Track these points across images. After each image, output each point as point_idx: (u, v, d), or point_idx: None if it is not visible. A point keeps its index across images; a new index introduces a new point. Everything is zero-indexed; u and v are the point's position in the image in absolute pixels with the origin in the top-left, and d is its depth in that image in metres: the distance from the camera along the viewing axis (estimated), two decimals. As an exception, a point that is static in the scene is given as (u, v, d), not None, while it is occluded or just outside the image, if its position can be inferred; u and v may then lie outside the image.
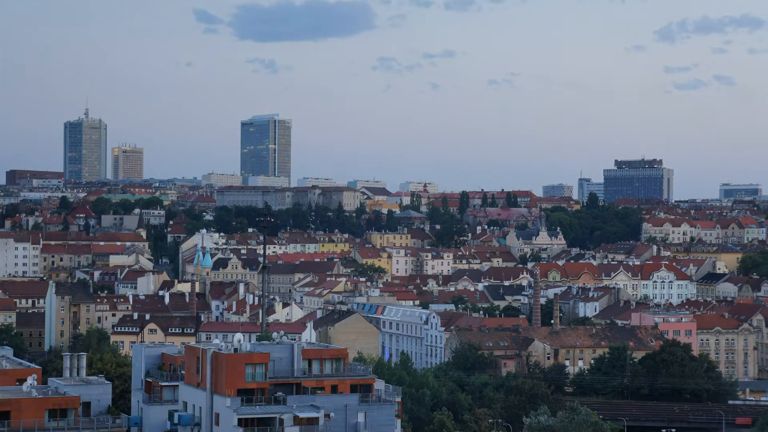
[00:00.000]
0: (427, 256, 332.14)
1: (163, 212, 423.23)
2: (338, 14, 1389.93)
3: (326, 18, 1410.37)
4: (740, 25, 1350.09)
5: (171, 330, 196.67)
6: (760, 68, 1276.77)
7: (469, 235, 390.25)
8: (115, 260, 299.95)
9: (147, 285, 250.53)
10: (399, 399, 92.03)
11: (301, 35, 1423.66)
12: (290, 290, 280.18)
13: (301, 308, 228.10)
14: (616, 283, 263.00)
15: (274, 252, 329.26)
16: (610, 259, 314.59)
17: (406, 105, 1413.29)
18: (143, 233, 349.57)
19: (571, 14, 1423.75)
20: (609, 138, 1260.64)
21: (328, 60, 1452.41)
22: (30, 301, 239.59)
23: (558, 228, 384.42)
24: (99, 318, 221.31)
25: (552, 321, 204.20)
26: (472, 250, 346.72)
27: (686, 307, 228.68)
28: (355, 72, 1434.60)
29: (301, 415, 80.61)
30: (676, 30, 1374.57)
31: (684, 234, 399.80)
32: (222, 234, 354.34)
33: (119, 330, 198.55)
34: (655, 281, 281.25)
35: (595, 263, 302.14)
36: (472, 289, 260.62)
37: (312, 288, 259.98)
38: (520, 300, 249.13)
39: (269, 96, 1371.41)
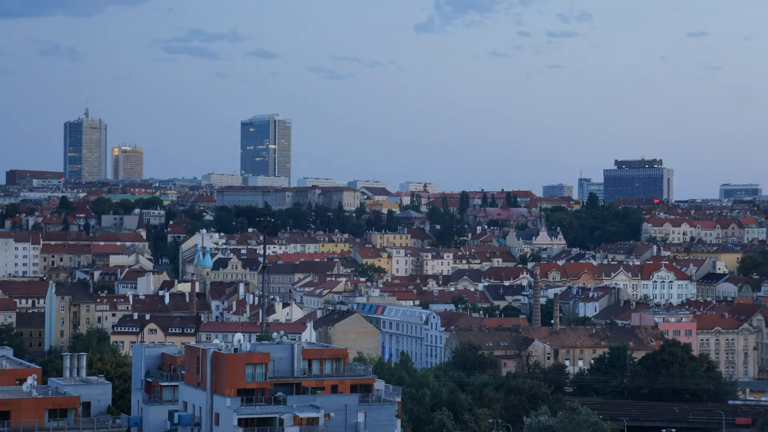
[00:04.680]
0: (427, 256, 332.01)
1: (163, 212, 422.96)
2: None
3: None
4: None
5: (171, 330, 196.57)
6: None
7: (469, 235, 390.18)
8: (115, 260, 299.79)
9: (147, 285, 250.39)
10: (399, 399, 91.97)
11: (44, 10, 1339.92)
12: (290, 290, 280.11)
13: (301, 308, 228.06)
14: (616, 283, 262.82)
15: (274, 252, 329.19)
16: (610, 259, 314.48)
17: (239, 94, 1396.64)
18: (143, 233, 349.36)
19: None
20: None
21: (118, 39, 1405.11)
22: (30, 301, 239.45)
23: (558, 228, 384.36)
24: (99, 318, 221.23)
25: (552, 321, 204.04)
26: (472, 250, 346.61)
27: (686, 307, 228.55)
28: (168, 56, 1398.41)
29: (301, 415, 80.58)
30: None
31: (684, 234, 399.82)
32: (222, 234, 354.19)
33: (119, 330, 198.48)
34: (655, 281, 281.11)
35: (595, 263, 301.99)
36: (472, 289, 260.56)
37: (312, 288, 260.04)
38: (520, 300, 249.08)
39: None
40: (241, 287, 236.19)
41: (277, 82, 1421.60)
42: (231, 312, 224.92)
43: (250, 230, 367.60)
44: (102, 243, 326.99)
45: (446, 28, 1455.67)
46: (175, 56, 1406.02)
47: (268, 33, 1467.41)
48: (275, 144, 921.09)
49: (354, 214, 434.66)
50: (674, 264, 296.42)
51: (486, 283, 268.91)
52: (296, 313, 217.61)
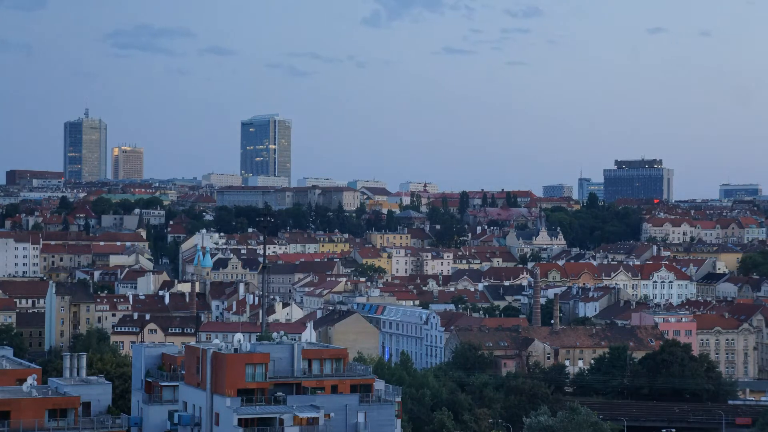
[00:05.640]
0: (427, 256, 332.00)
1: (163, 212, 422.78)
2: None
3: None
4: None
5: (171, 330, 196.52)
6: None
7: (469, 235, 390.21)
8: (115, 260, 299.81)
9: (147, 285, 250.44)
10: (399, 399, 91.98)
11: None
12: (290, 290, 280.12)
13: (301, 308, 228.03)
14: (616, 283, 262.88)
15: (274, 252, 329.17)
16: (610, 259, 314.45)
17: (205, 97, 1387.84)
18: (143, 233, 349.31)
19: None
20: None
21: (69, 34, 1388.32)
22: (30, 301, 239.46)
23: (558, 228, 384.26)
24: (99, 318, 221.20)
25: (552, 321, 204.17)
26: (472, 250, 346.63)
27: (686, 307, 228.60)
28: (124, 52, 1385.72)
29: (301, 415, 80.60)
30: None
31: (684, 234, 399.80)
32: (222, 234, 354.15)
33: (119, 330, 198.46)
34: (655, 281, 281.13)
35: (595, 263, 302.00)
36: (472, 289, 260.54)
37: (312, 288, 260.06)
38: (520, 300, 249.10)
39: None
40: (241, 287, 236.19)
41: (244, 80, 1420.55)
42: (231, 312, 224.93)
43: (250, 230, 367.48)
44: (102, 243, 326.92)
45: (393, 24, 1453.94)
46: (130, 52, 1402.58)
47: (218, 28, 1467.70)
48: (275, 144, 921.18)
49: (354, 214, 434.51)
50: (674, 264, 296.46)
51: (486, 283, 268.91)
52: (296, 313, 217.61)
